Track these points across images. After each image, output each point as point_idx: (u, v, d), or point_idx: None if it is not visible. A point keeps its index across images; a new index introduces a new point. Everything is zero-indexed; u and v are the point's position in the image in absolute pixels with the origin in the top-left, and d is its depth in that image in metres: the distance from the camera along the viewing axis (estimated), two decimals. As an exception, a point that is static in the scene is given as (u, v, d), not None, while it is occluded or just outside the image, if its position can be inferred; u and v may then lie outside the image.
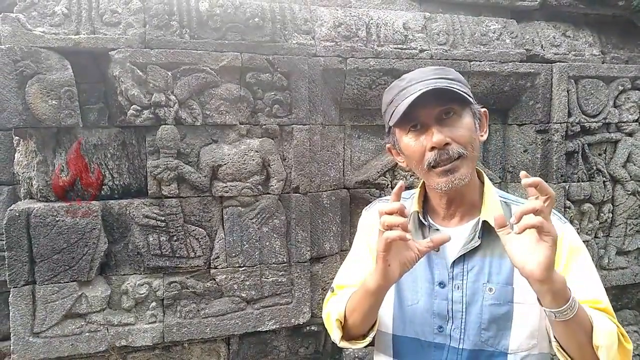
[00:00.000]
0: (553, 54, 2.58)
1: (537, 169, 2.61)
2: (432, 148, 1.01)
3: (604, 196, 2.69)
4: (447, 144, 1.00)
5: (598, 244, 2.72)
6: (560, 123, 2.56)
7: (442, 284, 1.06)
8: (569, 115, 2.58)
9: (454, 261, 1.05)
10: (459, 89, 1.00)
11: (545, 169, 2.60)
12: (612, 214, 2.73)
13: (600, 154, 2.71)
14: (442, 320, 1.06)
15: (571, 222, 2.62)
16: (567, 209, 2.61)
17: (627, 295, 2.90)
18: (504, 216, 0.91)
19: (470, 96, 1.03)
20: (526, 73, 2.52)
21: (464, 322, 1.04)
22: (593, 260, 2.64)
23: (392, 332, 1.11)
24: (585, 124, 2.61)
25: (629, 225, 2.75)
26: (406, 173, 2.43)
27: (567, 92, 2.55)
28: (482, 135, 1.07)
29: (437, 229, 1.10)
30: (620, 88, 2.66)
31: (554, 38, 2.62)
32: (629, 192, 2.72)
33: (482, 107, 1.07)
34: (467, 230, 1.07)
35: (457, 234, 1.07)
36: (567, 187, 2.61)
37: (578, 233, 2.63)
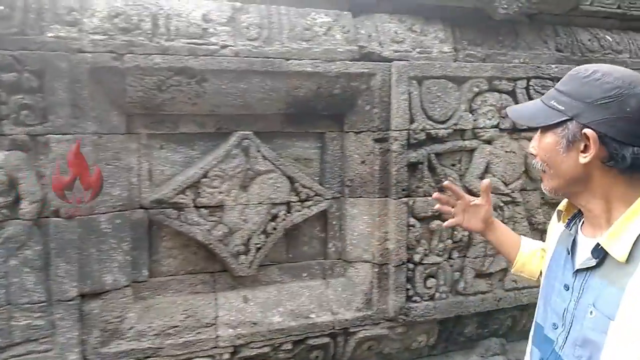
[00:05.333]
0: (392, 52, 2.26)
1: (376, 183, 2.28)
2: None
3: (457, 212, 2.36)
4: (533, 154, 1.12)
5: (452, 266, 2.40)
6: (400, 130, 2.23)
7: (566, 287, 1.11)
8: (412, 121, 2.25)
9: (577, 271, 1.08)
10: (529, 116, 1.11)
11: (385, 182, 2.27)
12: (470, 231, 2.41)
13: (453, 164, 2.39)
14: (558, 320, 1.11)
15: (418, 242, 2.31)
16: (411, 227, 2.29)
17: (494, 321, 2.59)
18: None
19: (565, 112, 1.02)
20: (359, 73, 2.19)
21: (568, 332, 1.07)
22: (446, 285, 2.34)
23: (535, 319, 1.22)
24: (432, 131, 2.28)
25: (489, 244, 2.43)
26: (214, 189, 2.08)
27: (409, 94, 2.23)
28: (584, 157, 1.01)
29: (571, 235, 1.14)
30: (475, 90, 2.34)
31: (396, 33, 2.29)
32: (488, 207, 2.40)
33: (587, 128, 0.99)
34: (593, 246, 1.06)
35: (588, 245, 1.07)
36: (411, 202, 2.28)
37: (426, 254, 2.33)
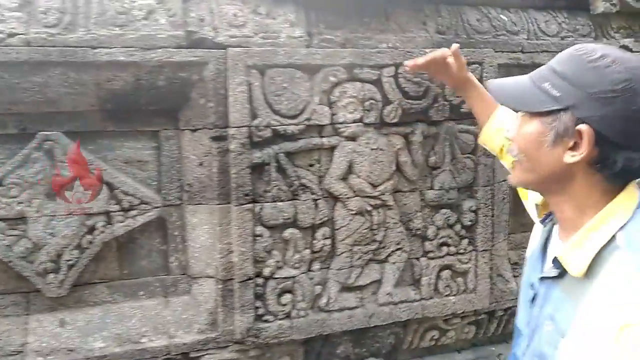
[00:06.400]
0: (229, 37, 1.97)
1: (215, 187, 2.01)
2: None
3: (315, 218, 2.09)
4: (509, 138, 1.03)
5: (313, 280, 2.12)
6: (239, 127, 1.95)
7: (532, 286, 1.05)
8: (254, 116, 1.97)
9: (543, 278, 1.01)
10: (511, 97, 1.00)
11: (226, 186, 1.99)
12: (332, 240, 2.14)
13: (311, 165, 2.10)
14: (525, 325, 1.05)
15: (269, 253, 2.03)
16: (259, 237, 2.01)
17: (372, 340, 2.32)
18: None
19: (560, 100, 0.88)
20: (186, 62, 1.91)
21: (530, 340, 1.02)
22: (305, 301, 2.06)
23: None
24: (279, 128, 2.00)
25: (356, 254, 2.16)
26: None
27: (248, 86, 1.95)
28: (572, 156, 0.89)
29: (546, 233, 1.08)
30: (332, 80, 2.05)
31: (236, 16, 2.00)
32: (354, 212, 2.12)
33: (584, 124, 0.86)
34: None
35: (556, 250, 1.00)
36: (257, 209, 2.01)
37: (279, 267, 2.05)
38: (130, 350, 1.95)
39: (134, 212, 1.96)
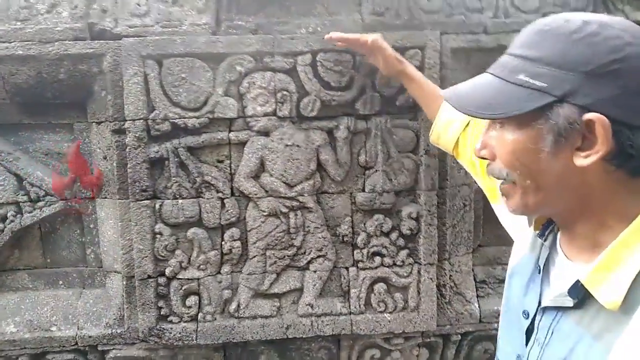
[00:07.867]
0: (127, 27, 1.91)
1: (116, 181, 1.97)
2: None
3: (221, 218, 1.96)
4: (484, 157, 0.81)
5: (221, 283, 2.00)
6: (134, 120, 1.89)
7: (525, 314, 0.86)
8: (152, 109, 1.89)
9: (546, 308, 0.81)
10: (481, 102, 0.74)
11: (125, 181, 1.95)
12: (242, 241, 2.00)
13: (220, 161, 1.97)
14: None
15: (172, 252, 1.96)
16: (159, 235, 1.94)
17: (299, 353, 2.14)
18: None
19: (549, 91, 0.68)
20: (84, 54, 1.90)
21: None
22: (212, 304, 1.97)
23: (497, 354, 1.01)
24: (179, 121, 1.90)
25: (270, 258, 1.99)
26: None
27: (144, 77, 1.87)
28: (586, 156, 0.69)
29: (546, 249, 0.85)
30: (239, 69, 1.90)
31: (139, 6, 1.93)
32: (266, 213, 1.96)
33: (591, 112, 0.67)
34: (577, 275, 0.77)
35: (567, 272, 0.80)
36: (157, 205, 1.94)
37: (184, 267, 1.97)
38: (39, 337, 2.00)
39: (41, 204, 1.99)
